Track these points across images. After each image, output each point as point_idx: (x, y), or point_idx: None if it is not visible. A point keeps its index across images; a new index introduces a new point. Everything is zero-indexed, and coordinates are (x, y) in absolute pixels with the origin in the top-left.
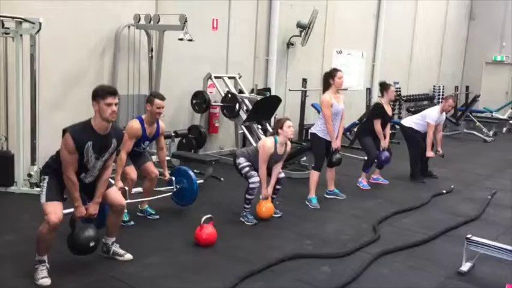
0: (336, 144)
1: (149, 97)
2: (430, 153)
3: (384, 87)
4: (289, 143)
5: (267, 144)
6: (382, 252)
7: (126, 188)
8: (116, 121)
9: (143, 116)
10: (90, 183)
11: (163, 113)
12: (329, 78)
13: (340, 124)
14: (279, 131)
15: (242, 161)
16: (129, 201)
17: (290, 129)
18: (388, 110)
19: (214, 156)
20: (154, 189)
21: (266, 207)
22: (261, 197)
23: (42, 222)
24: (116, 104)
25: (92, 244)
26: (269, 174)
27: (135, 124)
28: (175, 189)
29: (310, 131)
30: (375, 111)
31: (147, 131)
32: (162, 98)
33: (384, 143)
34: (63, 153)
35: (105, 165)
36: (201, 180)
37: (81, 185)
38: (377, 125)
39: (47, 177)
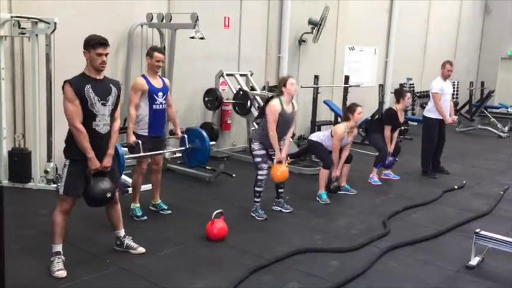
0: (336, 173)
1: (149, 51)
2: (448, 120)
3: (400, 93)
4: (295, 103)
5: (272, 103)
6: (391, 247)
7: (139, 141)
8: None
9: (145, 73)
10: (106, 135)
11: (161, 66)
12: (348, 113)
13: (345, 149)
14: (283, 89)
15: (257, 148)
16: (142, 154)
17: (293, 86)
18: (401, 117)
19: (226, 152)
20: (167, 148)
21: (281, 171)
22: (275, 161)
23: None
24: (106, 55)
25: (108, 195)
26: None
27: (138, 79)
28: (187, 147)
29: (309, 138)
30: (387, 118)
31: (152, 82)
32: (161, 51)
33: (390, 148)
34: (65, 106)
35: (113, 115)
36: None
37: (98, 141)
38: (387, 130)
39: (68, 163)
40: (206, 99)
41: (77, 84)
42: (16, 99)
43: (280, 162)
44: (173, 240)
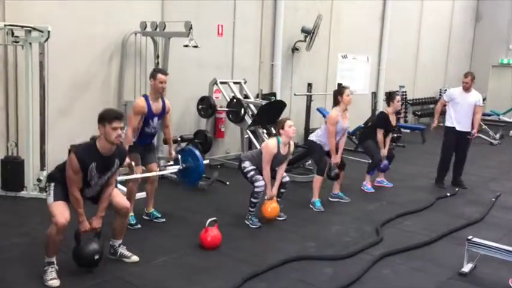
0: (336, 159)
1: (152, 72)
2: (434, 123)
3: (390, 97)
4: (292, 143)
5: (269, 145)
6: (384, 254)
7: (133, 163)
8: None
9: (148, 93)
10: (97, 194)
11: (165, 87)
12: (337, 96)
13: (341, 140)
14: (281, 131)
15: (247, 165)
16: (136, 176)
17: (291, 128)
18: (393, 120)
19: (220, 160)
20: (162, 165)
21: (271, 208)
22: (266, 197)
23: (50, 225)
24: (121, 128)
25: (96, 257)
26: (273, 176)
27: (140, 101)
28: (181, 167)
29: (309, 138)
30: (379, 121)
31: (152, 107)
32: (165, 73)
33: (384, 152)
34: (68, 172)
35: (108, 182)
36: (204, 183)
37: (86, 198)
38: (379, 133)
39: (53, 184)
40: (200, 107)
41: (84, 159)
42: (9, 108)
43: (271, 198)
44: (167, 248)
